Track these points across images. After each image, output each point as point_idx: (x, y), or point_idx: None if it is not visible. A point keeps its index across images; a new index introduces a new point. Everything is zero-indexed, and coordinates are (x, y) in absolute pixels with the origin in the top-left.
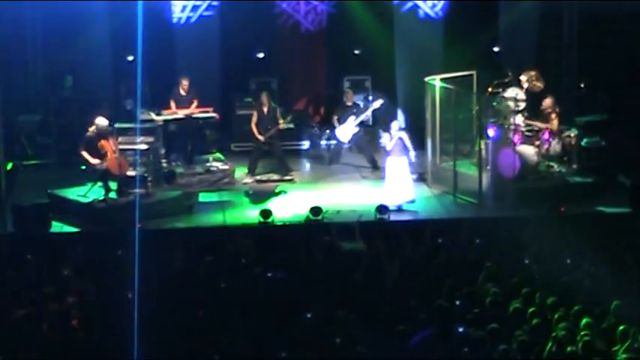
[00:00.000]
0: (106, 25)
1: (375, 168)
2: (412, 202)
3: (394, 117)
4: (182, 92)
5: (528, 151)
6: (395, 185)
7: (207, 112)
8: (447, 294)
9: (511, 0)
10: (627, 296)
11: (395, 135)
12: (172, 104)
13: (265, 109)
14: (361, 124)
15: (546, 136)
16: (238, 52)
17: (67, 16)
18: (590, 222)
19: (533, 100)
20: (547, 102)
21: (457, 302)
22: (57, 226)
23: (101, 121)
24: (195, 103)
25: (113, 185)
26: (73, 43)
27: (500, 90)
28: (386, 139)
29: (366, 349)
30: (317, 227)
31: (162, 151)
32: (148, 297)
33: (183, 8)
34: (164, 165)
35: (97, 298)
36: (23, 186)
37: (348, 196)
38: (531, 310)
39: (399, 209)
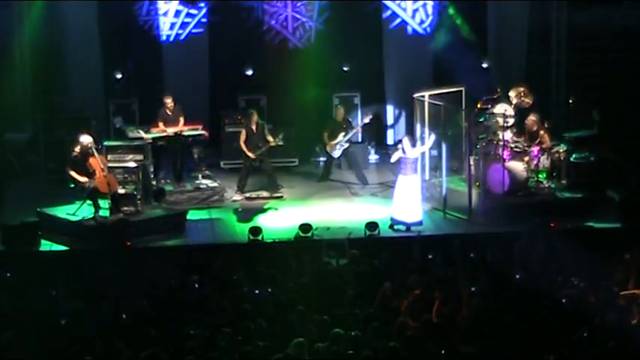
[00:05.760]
0: (96, 43)
1: (365, 184)
2: (420, 223)
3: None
4: (168, 112)
5: (517, 166)
6: (402, 204)
7: (197, 129)
8: (437, 309)
9: (500, 2)
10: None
11: (411, 152)
12: (161, 124)
13: (254, 127)
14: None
15: (535, 151)
16: (227, 69)
17: (57, 32)
18: (579, 237)
19: (522, 116)
20: (531, 119)
21: (447, 317)
22: (46, 245)
23: (85, 139)
24: (181, 121)
25: (103, 203)
26: (61, 60)
27: (489, 106)
28: (395, 155)
29: None
30: (307, 244)
31: (152, 169)
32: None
33: (172, 26)
34: (153, 183)
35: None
36: (12, 204)
37: (338, 213)
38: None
39: (407, 228)
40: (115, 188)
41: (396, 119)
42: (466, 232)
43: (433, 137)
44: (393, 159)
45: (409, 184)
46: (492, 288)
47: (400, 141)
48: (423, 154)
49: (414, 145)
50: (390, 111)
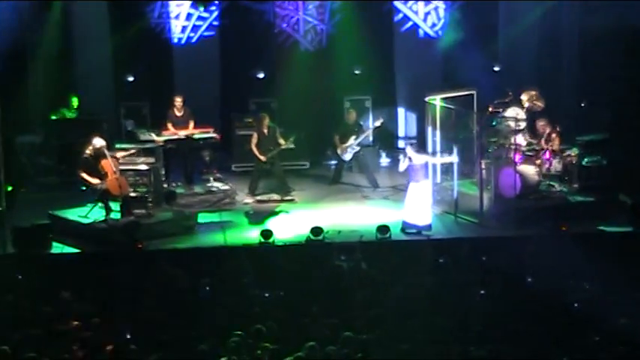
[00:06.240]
0: (107, 45)
1: (376, 187)
2: (429, 227)
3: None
4: (176, 112)
5: (529, 170)
6: (414, 209)
7: (208, 132)
8: (449, 314)
9: (511, 5)
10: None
11: (417, 158)
12: (169, 126)
13: (266, 130)
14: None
15: (547, 155)
16: (238, 72)
17: (68, 35)
18: (591, 241)
19: (534, 119)
20: (540, 123)
21: (458, 321)
22: (57, 247)
23: (98, 142)
24: (191, 124)
25: (114, 205)
26: (73, 63)
27: (501, 109)
28: (403, 164)
29: None
30: (318, 247)
31: (163, 172)
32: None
33: (184, 29)
34: (164, 185)
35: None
36: (24, 207)
37: (349, 216)
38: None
39: (418, 232)
40: (126, 191)
41: (407, 122)
42: (477, 235)
43: (455, 158)
44: (401, 168)
45: (420, 190)
46: (503, 292)
47: (404, 150)
48: (434, 154)
49: (418, 150)
50: (402, 114)
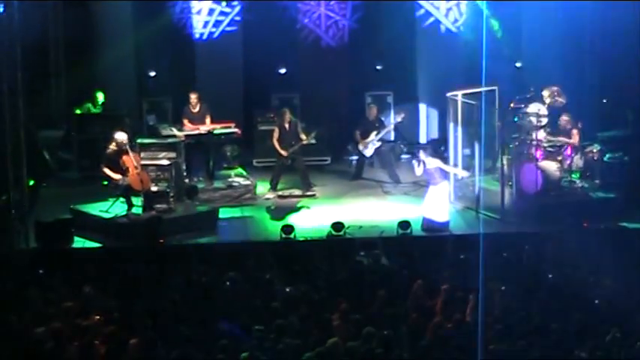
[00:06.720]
0: (130, 41)
1: (398, 183)
2: (447, 226)
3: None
4: (192, 109)
5: (551, 166)
6: (432, 208)
7: (229, 127)
8: (470, 309)
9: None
10: None
11: (430, 162)
12: (186, 121)
13: (287, 125)
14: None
15: (569, 151)
16: (260, 68)
17: (91, 30)
18: (613, 237)
19: (556, 115)
20: (564, 119)
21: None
22: (79, 242)
23: (120, 136)
24: (208, 120)
25: (136, 200)
26: (96, 59)
27: (523, 105)
28: (418, 169)
29: None
30: (339, 242)
31: (184, 167)
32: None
33: (206, 24)
34: (186, 180)
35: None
36: (46, 201)
37: (370, 212)
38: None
39: (436, 229)
40: (147, 186)
41: (429, 118)
42: (499, 231)
43: (465, 173)
44: (418, 173)
45: (439, 191)
46: (524, 288)
47: (417, 155)
48: (455, 151)
49: (431, 154)
50: (423, 110)
